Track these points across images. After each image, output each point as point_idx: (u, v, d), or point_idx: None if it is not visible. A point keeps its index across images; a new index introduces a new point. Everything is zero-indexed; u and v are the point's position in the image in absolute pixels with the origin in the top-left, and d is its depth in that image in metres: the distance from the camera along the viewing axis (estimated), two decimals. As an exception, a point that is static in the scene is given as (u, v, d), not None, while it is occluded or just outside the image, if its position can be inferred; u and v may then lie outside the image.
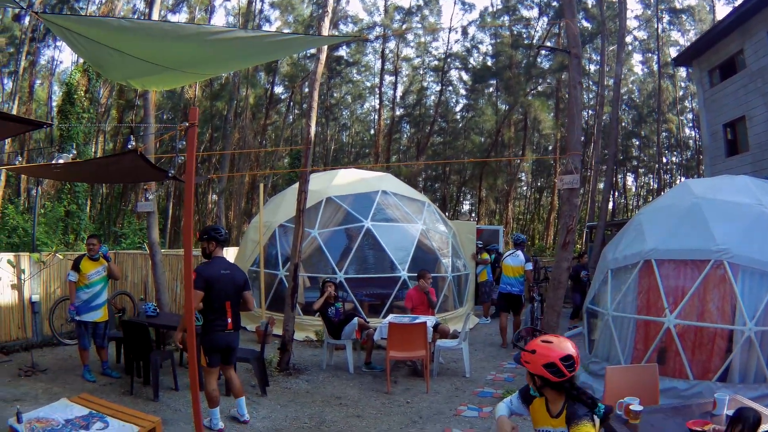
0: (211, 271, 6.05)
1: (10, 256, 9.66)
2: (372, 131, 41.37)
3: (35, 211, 11.58)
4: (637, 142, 37.88)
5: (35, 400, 7.17)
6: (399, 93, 39.88)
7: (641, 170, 41.84)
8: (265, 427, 6.57)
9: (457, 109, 39.94)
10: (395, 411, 6.78)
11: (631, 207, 41.46)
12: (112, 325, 8.96)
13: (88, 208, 25.89)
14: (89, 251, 7.97)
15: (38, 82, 35.17)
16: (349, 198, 11.57)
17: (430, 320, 8.27)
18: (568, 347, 3.22)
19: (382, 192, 11.61)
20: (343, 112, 43.21)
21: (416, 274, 9.37)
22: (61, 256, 10.33)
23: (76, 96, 18.93)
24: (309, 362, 9.13)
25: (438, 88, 37.58)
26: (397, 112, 39.40)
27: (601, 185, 20.60)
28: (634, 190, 44.45)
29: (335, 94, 39.50)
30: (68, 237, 17.17)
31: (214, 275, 6.06)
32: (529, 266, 11.00)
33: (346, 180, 12.30)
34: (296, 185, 9.74)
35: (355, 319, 8.65)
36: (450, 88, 38.44)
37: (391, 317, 8.74)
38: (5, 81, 30.22)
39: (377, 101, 38.77)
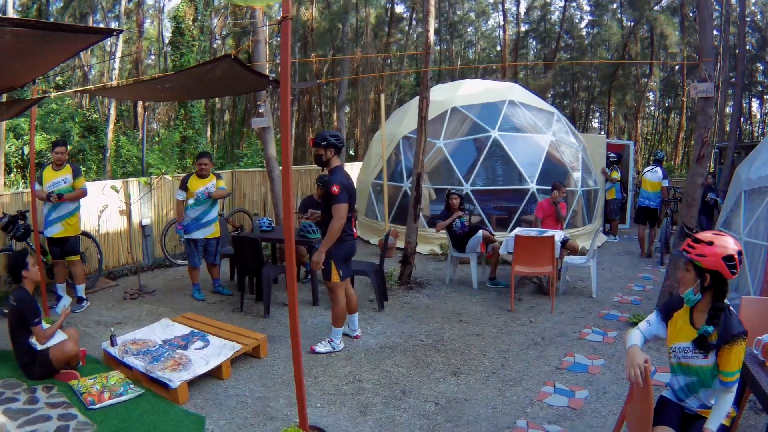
0: (348, 180, 5.78)
1: (117, 182, 9.51)
2: (498, 48, 41.15)
3: (143, 135, 11.56)
4: (762, 67, 35.81)
5: (137, 323, 6.97)
6: (523, 9, 39.56)
7: (766, 96, 39.54)
8: (379, 344, 6.26)
9: (582, 25, 39.28)
10: (517, 330, 6.46)
11: (756, 134, 39.12)
12: (226, 243, 8.75)
13: (208, 133, 26.80)
14: (199, 170, 7.77)
15: (148, 20, 36.72)
16: (475, 108, 11.19)
17: (558, 235, 7.86)
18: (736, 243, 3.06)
19: (510, 102, 11.20)
20: (468, 29, 42.70)
21: (547, 188, 9.26)
22: (170, 178, 10.17)
23: (184, 26, 19.17)
24: (431, 276, 8.81)
25: (562, 4, 37.11)
26: (522, 28, 39.10)
27: (728, 110, 21.28)
28: (759, 117, 42.22)
29: (458, 12, 39.18)
30: (185, 161, 17.42)
31: (351, 184, 5.84)
32: (666, 183, 11.37)
33: (471, 90, 11.94)
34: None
35: (480, 231, 8.26)
36: (574, 3, 37.76)
37: (517, 230, 8.30)
38: (111, 24, 31.51)
39: (501, 17, 38.26)
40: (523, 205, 10.18)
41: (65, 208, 7.30)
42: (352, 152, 28.45)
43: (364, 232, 11.86)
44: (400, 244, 9.59)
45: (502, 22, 38.03)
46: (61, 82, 20.59)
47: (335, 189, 5.43)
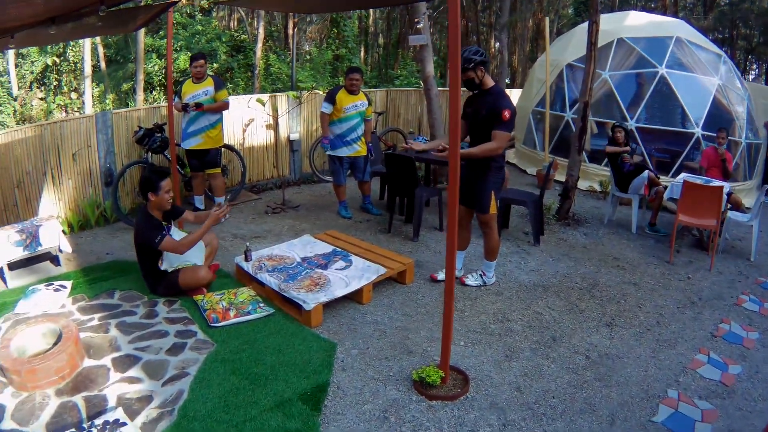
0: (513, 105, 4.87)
1: (264, 96, 9.13)
2: None
3: (293, 52, 11.24)
4: None
5: (277, 238, 6.46)
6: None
7: None
8: (531, 281, 5.60)
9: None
10: (674, 285, 5.78)
11: None
12: (378, 161, 8.27)
13: (361, 54, 26.45)
14: (349, 86, 7.21)
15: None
16: (642, 41, 10.45)
17: (725, 186, 6.97)
18: None
19: (677, 39, 10.31)
20: None
21: (712, 134, 8.67)
22: (321, 92, 9.64)
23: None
24: (589, 214, 8.16)
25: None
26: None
27: None
28: None
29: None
30: (337, 80, 17.03)
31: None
32: None
33: (638, 22, 11.19)
34: (584, 24, 9.32)
35: (646, 172, 7.53)
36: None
37: (684, 175, 7.57)
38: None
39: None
40: (686, 150, 9.34)
41: (205, 120, 7.01)
42: (508, 80, 27.21)
43: (522, 161, 11.33)
44: (559, 176, 9.15)
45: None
46: (206, 5, 21.12)
47: (507, 114, 4.68)
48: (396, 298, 4.93)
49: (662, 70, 9.69)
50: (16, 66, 18.35)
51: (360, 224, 7.17)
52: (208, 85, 7.01)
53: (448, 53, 3.11)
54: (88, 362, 3.81)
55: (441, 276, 5.30)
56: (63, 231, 7.00)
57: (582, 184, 9.24)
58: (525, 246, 6.55)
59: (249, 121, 8.72)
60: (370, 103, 7.40)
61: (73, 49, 17.69)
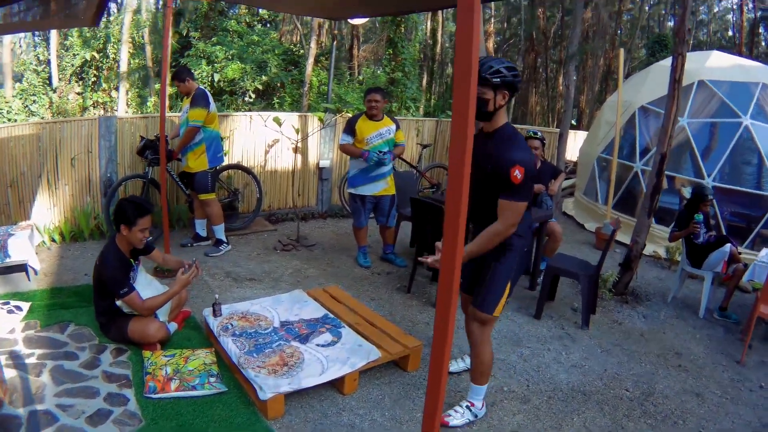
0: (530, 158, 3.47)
1: (292, 116, 8.88)
2: (730, 32, 38.36)
3: (331, 68, 10.94)
4: None
5: (274, 284, 5.99)
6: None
7: None
8: (571, 383, 4.60)
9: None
10: (744, 398, 4.78)
11: None
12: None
13: (423, 82, 26.05)
14: (369, 109, 6.56)
15: None
16: (725, 85, 9.57)
17: None
18: None
19: (764, 85, 9.34)
20: (701, 7, 38.72)
21: None
22: (352, 114, 9.20)
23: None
24: (650, 288, 7.23)
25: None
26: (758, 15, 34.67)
27: None
28: None
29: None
30: (390, 105, 16.35)
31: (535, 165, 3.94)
32: None
33: (721, 63, 10.34)
34: (662, 62, 9.31)
35: (728, 246, 6.54)
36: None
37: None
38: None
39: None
40: (767, 217, 8.45)
41: (191, 138, 6.67)
42: (574, 122, 26.64)
43: (580, 213, 10.59)
44: (621, 235, 8.41)
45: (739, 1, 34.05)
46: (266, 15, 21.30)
47: (518, 174, 3.23)
48: (389, 392, 4.16)
49: (746, 120, 8.99)
50: (58, 57, 18.71)
51: (378, 277, 6.57)
52: (188, 103, 6.65)
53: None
54: (5, 409, 3.53)
55: (453, 420, 3.91)
56: (53, 239, 6.87)
57: (645, 248, 8.48)
58: (571, 328, 5.74)
59: (273, 142, 8.37)
60: (398, 127, 6.73)
61: (114, 46, 17.95)
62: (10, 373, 3.90)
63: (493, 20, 29.86)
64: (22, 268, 5.53)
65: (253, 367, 3.87)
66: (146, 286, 4.59)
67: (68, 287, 5.63)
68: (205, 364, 4.08)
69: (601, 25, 26.68)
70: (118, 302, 4.37)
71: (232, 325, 4.51)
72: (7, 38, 17.32)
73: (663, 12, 33.78)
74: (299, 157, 8.76)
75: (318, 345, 4.29)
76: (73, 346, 4.39)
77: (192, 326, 4.87)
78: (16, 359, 4.13)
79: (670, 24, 33.29)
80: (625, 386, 4.70)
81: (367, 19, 10.82)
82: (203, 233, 7.16)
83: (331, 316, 4.81)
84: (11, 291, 5.43)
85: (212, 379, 3.91)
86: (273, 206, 8.74)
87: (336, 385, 4.04)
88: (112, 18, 20.90)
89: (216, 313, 4.62)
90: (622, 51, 9.94)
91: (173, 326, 4.69)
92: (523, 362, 4.80)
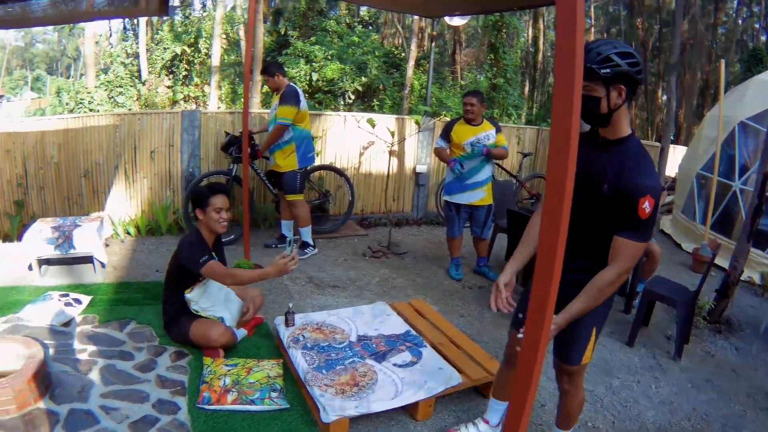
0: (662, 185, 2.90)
1: (389, 118, 8.59)
2: None
3: (430, 71, 10.57)
4: None
5: (358, 293, 5.63)
6: None
7: None
8: (658, 422, 4.06)
9: None
10: None
11: None
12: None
13: (525, 89, 25.43)
14: (465, 113, 6.19)
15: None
16: None
17: None
18: None
19: None
20: None
21: None
22: (449, 119, 8.77)
23: None
24: (744, 316, 6.58)
25: None
26: None
27: None
28: None
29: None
30: (490, 110, 16.27)
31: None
32: None
33: None
34: (762, 76, 9.06)
35: None
36: None
37: None
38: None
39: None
40: None
41: (279, 136, 6.41)
42: (672, 136, 25.73)
43: (677, 232, 9.89)
44: (718, 258, 7.56)
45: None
46: (367, 17, 21.34)
47: (646, 207, 2.45)
48: (466, 420, 3.63)
49: None
50: (148, 51, 19.20)
51: (468, 291, 6.08)
52: (277, 99, 6.40)
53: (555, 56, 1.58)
54: (43, 403, 3.30)
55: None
56: (128, 232, 6.76)
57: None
58: (663, 358, 5.19)
59: (368, 144, 8.03)
60: (498, 130, 6.30)
61: (206, 41, 18.26)
62: (57, 368, 3.70)
63: (593, 30, 29.13)
64: (88, 260, 5.40)
65: (320, 385, 3.44)
66: (221, 297, 4.31)
67: (136, 282, 5.46)
68: (269, 377, 3.68)
69: (698, 38, 26.13)
70: (187, 295, 4.14)
71: (304, 336, 4.10)
72: (90, 31, 17.94)
73: (756, 26, 32.84)
74: (395, 160, 8.40)
75: (395, 365, 3.82)
76: (130, 345, 4.15)
77: (263, 334, 4.52)
78: (67, 354, 3.94)
79: (764, 38, 32.58)
80: (714, 429, 4.18)
81: (465, 21, 10.42)
82: (289, 234, 6.85)
83: (413, 333, 4.33)
84: (75, 283, 5.31)
85: (274, 394, 3.51)
86: (366, 210, 8.45)
87: (409, 409, 3.60)
88: (205, 13, 21.37)
89: (288, 323, 4.24)
90: (723, 62, 9.27)
91: (242, 333, 4.35)
92: (612, 395, 4.31)
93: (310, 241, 6.68)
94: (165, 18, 16.85)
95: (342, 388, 3.45)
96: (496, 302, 2.71)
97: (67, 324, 4.41)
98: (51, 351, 3.93)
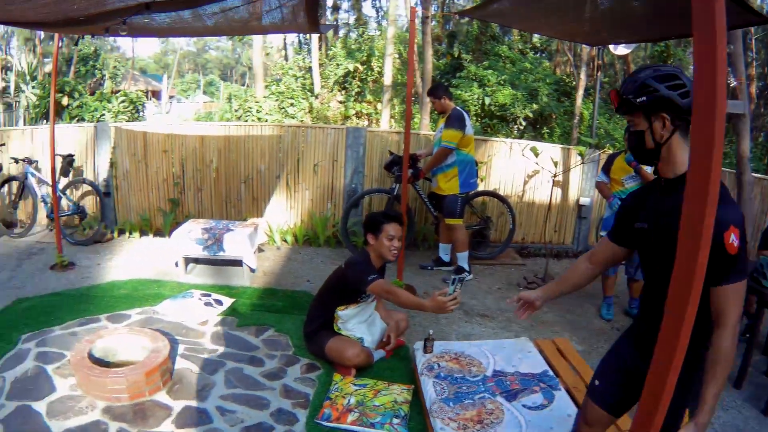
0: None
1: (551, 146, 8.36)
2: None
3: (595, 102, 10.08)
4: None
5: (505, 324, 5.41)
6: None
7: None
8: None
9: None
10: None
11: None
12: None
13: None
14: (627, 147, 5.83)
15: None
16: None
17: None
18: None
19: None
20: None
21: None
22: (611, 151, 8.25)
23: None
24: None
25: None
26: None
27: None
28: None
29: None
30: None
31: None
32: None
33: None
34: None
35: None
36: None
37: None
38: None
39: None
40: None
41: (443, 159, 6.32)
42: None
43: None
44: None
45: None
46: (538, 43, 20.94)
47: (734, 241, 2.01)
48: None
49: None
50: (321, 65, 19.90)
51: (616, 333, 5.64)
52: (443, 122, 6.30)
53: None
54: (159, 396, 3.48)
55: None
56: (285, 240, 7.00)
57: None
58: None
59: (532, 173, 7.79)
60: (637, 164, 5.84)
61: (379, 60, 18.64)
62: (182, 364, 3.83)
63: (755, 63, 26.77)
64: (237, 263, 5.58)
65: (443, 418, 3.28)
66: (366, 319, 4.28)
67: (284, 290, 5.55)
68: (395, 402, 3.57)
69: None
70: (340, 312, 4.16)
71: (439, 365, 3.95)
72: (258, 43, 18.77)
73: None
74: (558, 191, 8.07)
75: (524, 405, 3.58)
76: (263, 351, 4.21)
77: (401, 357, 4.40)
78: (197, 352, 4.09)
79: None
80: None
81: (630, 50, 9.90)
82: (446, 258, 6.80)
83: (551, 373, 4.05)
84: (222, 284, 5.50)
85: (396, 421, 3.38)
86: (526, 239, 8.18)
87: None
88: (378, 33, 21.85)
89: (427, 349, 4.11)
90: None
91: (380, 354, 4.27)
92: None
93: (466, 267, 6.53)
94: (314, 34, 17.47)
95: (465, 423, 3.26)
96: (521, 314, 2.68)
97: (204, 323, 4.55)
98: (181, 348, 4.06)
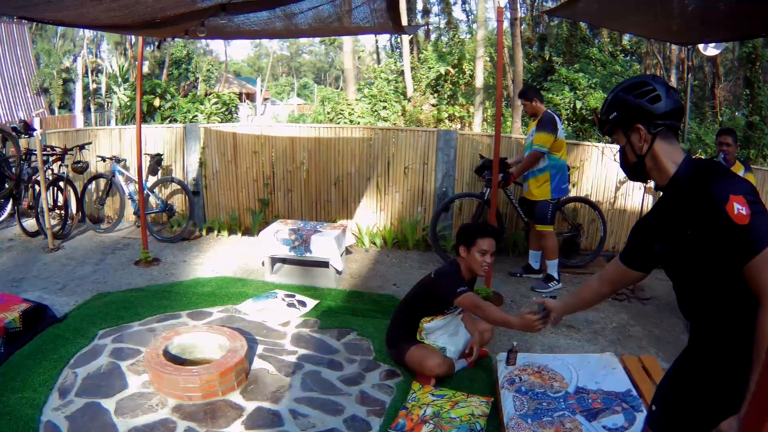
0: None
1: None
2: None
3: (687, 107, 9.61)
4: None
5: (592, 336, 5.25)
6: None
7: None
8: None
9: None
10: None
11: None
12: None
13: None
14: (718, 153, 5.83)
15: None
16: None
17: None
18: None
19: None
20: None
21: None
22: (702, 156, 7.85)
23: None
24: None
25: None
26: None
27: None
28: None
29: None
30: (747, 151, 14.95)
31: None
32: None
33: None
34: None
35: None
36: None
37: None
38: None
39: None
40: None
41: (534, 163, 6.19)
42: None
43: None
44: None
45: None
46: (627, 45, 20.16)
47: (740, 208, 1.79)
48: None
49: None
50: (413, 69, 19.83)
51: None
52: (534, 126, 6.16)
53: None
54: (232, 396, 3.52)
55: None
56: (373, 243, 7.01)
57: None
58: None
59: (624, 179, 7.52)
60: (748, 170, 5.74)
61: (470, 63, 18.43)
62: (259, 365, 3.85)
63: None
64: (324, 264, 5.60)
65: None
66: (450, 329, 4.16)
67: (369, 293, 5.52)
68: (472, 414, 3.46)
69: None
70: (426, 324, 4.07)
71: (521, 378, 3.82)
72: (348, 45, 18.88)
73: None
74: (650, 198, 7.74)
75: (604, 427, 3.40)
76: (343, 355, 4.18)
77: (484, 368, 4.27)
78: (275, 353, 4.11)
79: None
80: None
81: (719, 51, 9.37)
82: (536, 266, 6.64)
83: (634, 393, 3.83)
84: (307, 285, 5.52)
85: (473, 434, 3.28)
86: (617, 247, 7.82)
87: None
88: (469, 36, 21.63)
89: (510, 361, 3.95)
90: None
91: (462, 364, 4.16)
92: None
93: (556, 275, 6.33)
94: (401, 35, 17.38)
95: (546, 439, 3.14)
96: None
97: (286, 324, 4.56)
98: (260, 348, 4.08)
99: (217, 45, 52.53)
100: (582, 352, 4.68)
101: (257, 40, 59.22)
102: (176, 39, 6.11)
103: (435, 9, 28.78)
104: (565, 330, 5.28)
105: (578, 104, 15.21)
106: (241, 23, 4.73)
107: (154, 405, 3.40)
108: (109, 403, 3.40)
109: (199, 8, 4.11)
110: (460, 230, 4.07)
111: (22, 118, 14.32)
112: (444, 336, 4.10)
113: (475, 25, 23.12)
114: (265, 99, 38.33)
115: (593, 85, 15.60)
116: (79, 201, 7.44)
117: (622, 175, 7.50)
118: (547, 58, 17.95)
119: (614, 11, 5.08)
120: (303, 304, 4.90)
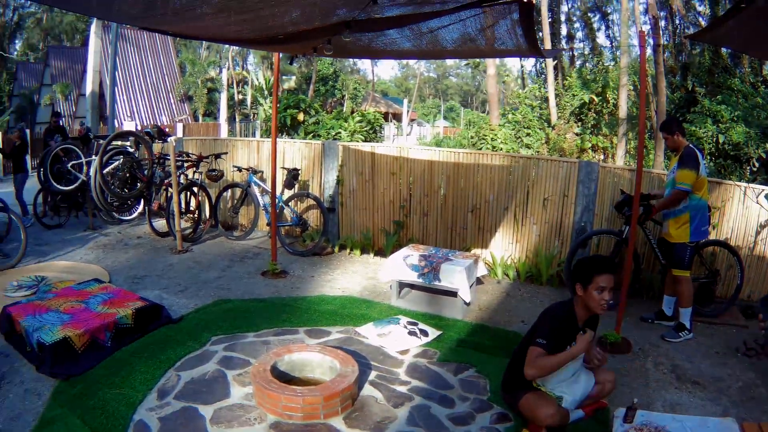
0: None
1: None
2: None
3: None
4: None
5: (715, 397, 4.76)
6: None
7: None
8: None
9: None
10: None
11: None
12: None
13: None
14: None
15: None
16: None
17: None
18: None
19: None
20: None
21: None
22: None
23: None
24: None
25: None
26: None
27: None
28: None
29: None
30: None
31: None
32: None
33: None
34: None
35: None
36: None
37: None
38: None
39: None
40: None
41: (677, 202, 5.83)
42: None
43: None
44: None
45: None
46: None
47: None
48: None
49: None
50: (557, 96, 19.48)
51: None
52: (676, 161, 5.81)
53: None
54: (333, 421, 3.50)
55: None
56: (506, 275, 6.91)
57: None
58: None
59: (766, 223, 6.88)
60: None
61: (613, 92, 17.73)
62: (369, 391, 3.82)
63: None
64: (452, 293, 5.53)
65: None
66: (569, 374, 3.92)
67: (495, 328, 5.37)
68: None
69: None
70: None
71: (643, 439, 3.57)
72: (492, 69, 18.67)
73: None
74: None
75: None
76: (456, 392, 4.07)
77: (600, 420, 4.02)
78: (387, 381, 4.08)
79: None
80: None
81: None
82: (669, 312, 6.22)
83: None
84: (433, 313, 5.46)
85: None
86: (753, 297, 7.19)
87: None
88: (614, 63, 20.93)
89: (628, 419, 3.71)
90: None
91: (579, 414, 3.92)
92: None
93: (688, 324, 5.92)
94: (538, 58, 16.95)
95: None
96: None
97: (405, 352, 4.52)
98: (372, 374, 4.06)
99: (364, 64, 54.13)
100: (703, 412, 4.39)
101: (404, 61, 60.30)
102: (321, 57, 6.35)
103: (579, 35, 28.13)
104: (690, 386, 4.89)
105: (721, 138, 14.24)
106: (369, 41, 4.74)
107: (251, 419, 3.47)
108: (206, 410, 3.51)
109: (319, 26, 4.13)
110: (575, 267, 3.83)
111: (159, 124, 15.35)
112: (562, 383, 3.84)
113: (618, 52, 22.39)
114: (412, 120, 38.87)
115: (735, 118, 14.62)
116: (213, 207, 7.78)
117: (763, 218, 6.88)
118: (689, 89, 17.01)
119: (761, 36, 4.66)
120: (425, 333, 4.85)
